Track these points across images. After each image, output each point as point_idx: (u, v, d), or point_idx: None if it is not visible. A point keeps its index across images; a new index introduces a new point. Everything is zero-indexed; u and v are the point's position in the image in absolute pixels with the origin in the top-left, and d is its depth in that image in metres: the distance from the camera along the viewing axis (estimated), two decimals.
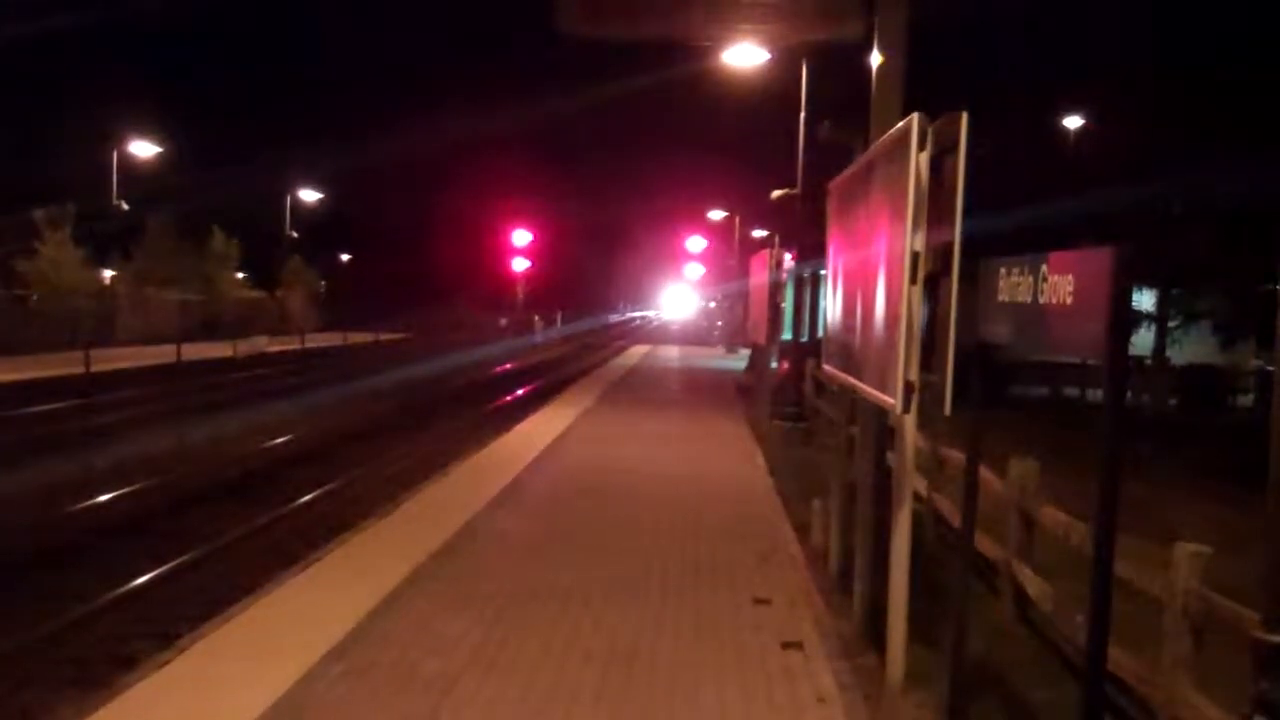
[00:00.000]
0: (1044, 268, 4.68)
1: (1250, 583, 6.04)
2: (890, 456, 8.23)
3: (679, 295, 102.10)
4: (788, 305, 21.28)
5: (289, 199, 71.15)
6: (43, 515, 13.88)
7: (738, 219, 57.63)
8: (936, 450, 11.43)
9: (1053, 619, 7.97)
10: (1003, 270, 5.19)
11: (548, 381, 34.93)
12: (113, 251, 52.17)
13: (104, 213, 48.63)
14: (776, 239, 22.65)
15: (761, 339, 20.69)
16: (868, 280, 7.18)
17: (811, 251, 18.84)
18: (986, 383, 5.58)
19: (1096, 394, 24.65)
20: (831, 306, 9.18)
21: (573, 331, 79.42)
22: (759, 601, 8.77)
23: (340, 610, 8.04)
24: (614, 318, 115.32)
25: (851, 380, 7.92)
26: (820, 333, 11.43)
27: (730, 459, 16.86)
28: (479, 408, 27.61)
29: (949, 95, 7.34)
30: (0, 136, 65.59)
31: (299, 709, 6.21)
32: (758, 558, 10.27)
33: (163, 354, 36.39)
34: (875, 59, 8.33)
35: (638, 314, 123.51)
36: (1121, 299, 4.07)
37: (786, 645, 7.66)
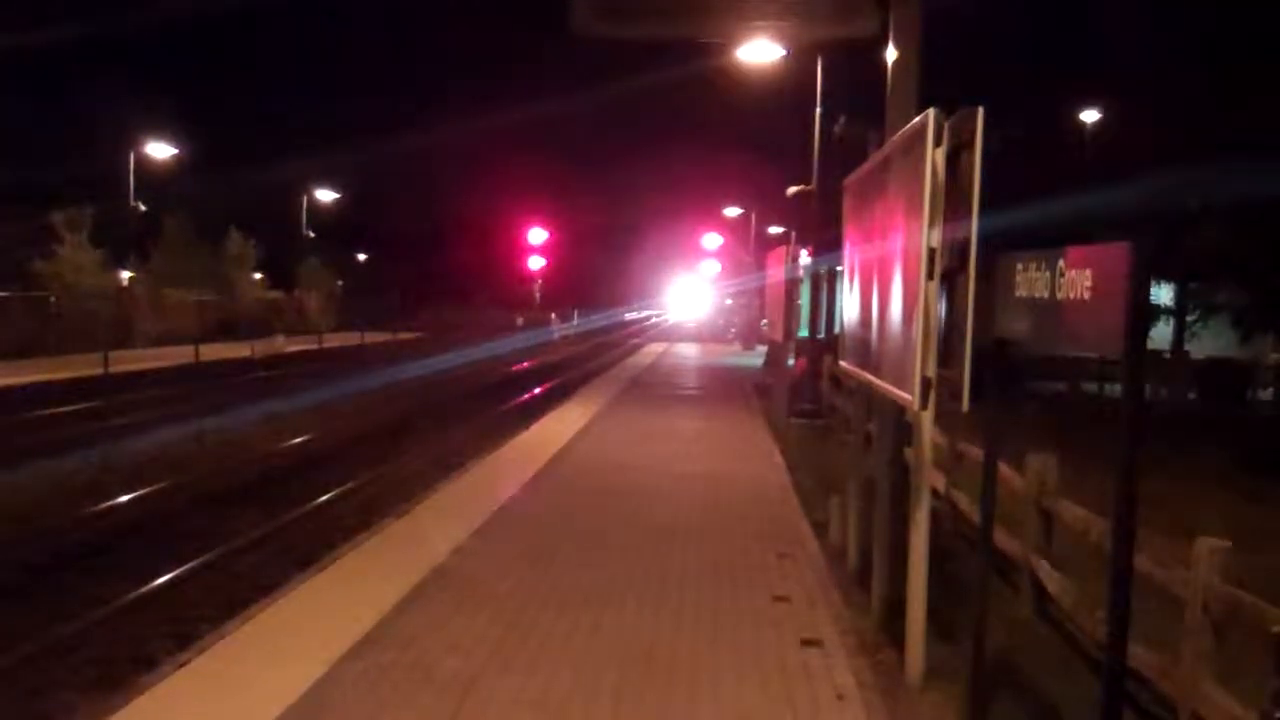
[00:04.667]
0: (1061, 262, 4.67)
1: (1271, 578, 6.03)
2: (908, 453, 8.22)
3: (695, 292, 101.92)
4: (804, 302, 21.26)
5: (306, 199, 71.35)
6: (68, 515, 13.95)
7: (754, 216, 57.56)
8: (954, 446, 11.41)
9: (1072, 614, 7.95)
10: (1019, 265, 5.18)
11: (564, 379, 34.96)
12: (130, 253, 52.33)
13: (121, 214, 48.79)
14: (793, 235, 22.61)
15: (778, 336, 20.68)
16: (884, 276, 7.18)
17: (828, 248, 18.82)
18: (1004, 378, 5.57)
19: (1115, 389, 24.58)
20: (848, 303, 9.18)
21: (589, 329, 79.40)
22: (778, 599, 8.76)
23: (360, 609, 8.05)
24: (630, 315, 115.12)
25: (869, 377, 7.92)
26: (837, 329, 11.42)
27: (748, 456, 16.84)
28: (497, 406, 27.65)
29: (964, 90, 7.33)
30: (18, 139, 66.00)
31: (319, 708, 6.23)
32: (776, 555, 10.26)
33: (181, 355, 36.56)
34: (890, 55, 8.32)
35: (653, 312, 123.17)
36: (1139, 293, 4.06)
37: (805, 643, 7.65)
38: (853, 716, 6.35)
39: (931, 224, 5.95)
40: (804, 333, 22.00)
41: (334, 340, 52.33)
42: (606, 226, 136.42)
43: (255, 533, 13.21)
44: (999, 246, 5.57)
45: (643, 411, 23.00)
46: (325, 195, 73.19)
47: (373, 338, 54.06)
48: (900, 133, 6.95)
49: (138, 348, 41.66)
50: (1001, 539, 8.99)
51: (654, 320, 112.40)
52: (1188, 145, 26.45)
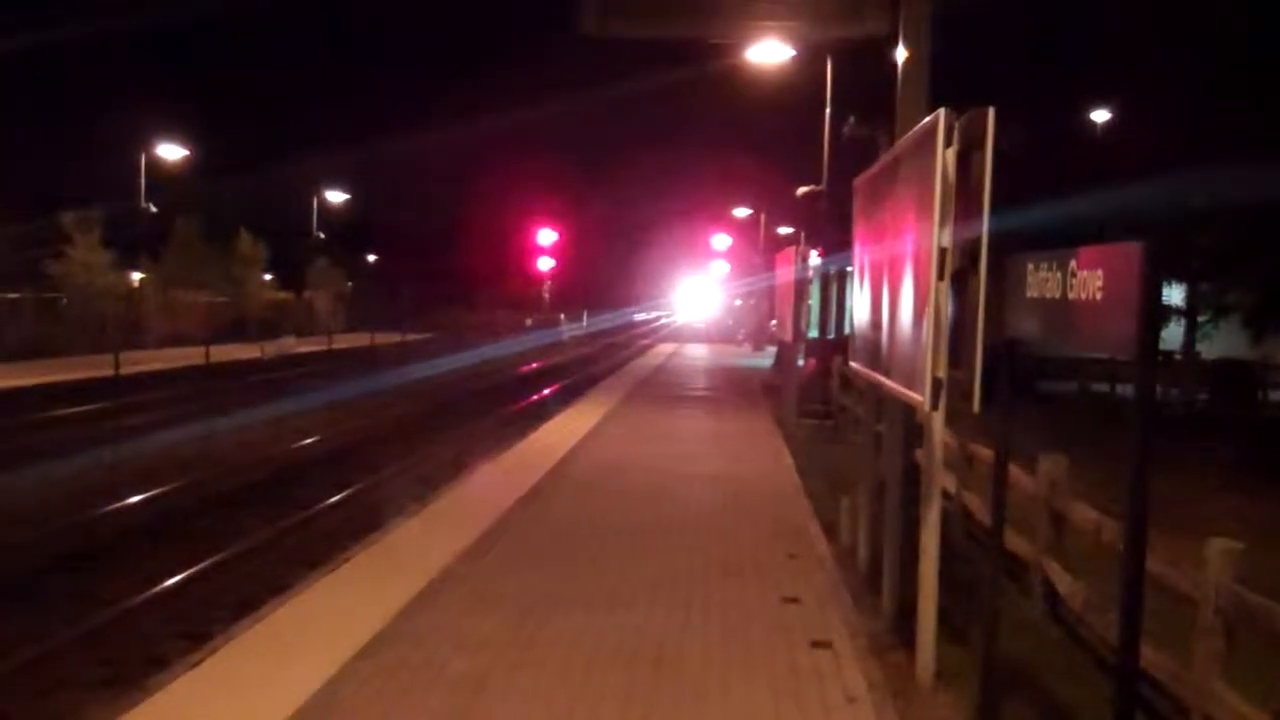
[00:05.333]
0: (1073, 263, 4.66)
1: None
2: (918, 454, 8.21)
3: (704, 293, 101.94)
4: (814, 302, 21.25)
5: (315, 200, 71.44)
6: (80, 515, 13.97)
7: (763, 216, 57.56)
8: (965, 447, 11.39)
9: (1083, 616, 7.92)
10: (1030, 266, 5.16)
11: (573, 380, 34.95)
12: (141, 254, 52.46)
13: (132, 216, 48.91)
14: (802, 236, 22.63)
15: (788, 337, 20.66)
16: (894, 277, 7.16)
17: (837, 248, 18.81)
18: (1015, 379, 5.55)
19: (1126, 389, 24.50)
20: (858, 304, 9.17)
21: (598, 330, 79.39)
22: (788, 600, 8.75)
23: (369, 610, 8.06)
24: (639, 316, 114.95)
25: (879, 377, 7.90)
26: (847, 330, 11.41)
27: (757, 457, 16.83)
28: (506, 407, 27.66)
29: (974, 90, 7.32)
30: (30, 140, 66.24)
31: (329, 708, 6.23)
32: (786, 556, 10.25)
33: (191, 356, 36.50)
34: (900, 55, 8.30)
35: (662, 313, 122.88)
36: (1151, 294, 4.05)
37: (816, 644, 7.64)
38: (863, 719, 6.34)
39: (942, 224, 5.94)
40: (813, 333, 21.98)
41: (343, 341, 52.32)
42: (615, 227, 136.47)
43: (265, 533, 13.23)
44: (1010, 247, 5.55)
45: (652, 412, 22.99)
46: (335, 196, 73.30)
47: (382, 338, 53.99)
48: (910, 133, 6.94)
49: (148, 348, 41.74)
50: (1012, 540, 8.97)
51: (663, 321, 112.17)
52: (1199, 145, 26.34)
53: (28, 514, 14.08)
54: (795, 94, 27.69)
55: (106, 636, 9.63)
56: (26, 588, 11.06)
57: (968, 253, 5.77)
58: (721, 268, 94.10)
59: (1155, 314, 4.13)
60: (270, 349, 41.86)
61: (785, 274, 20.60)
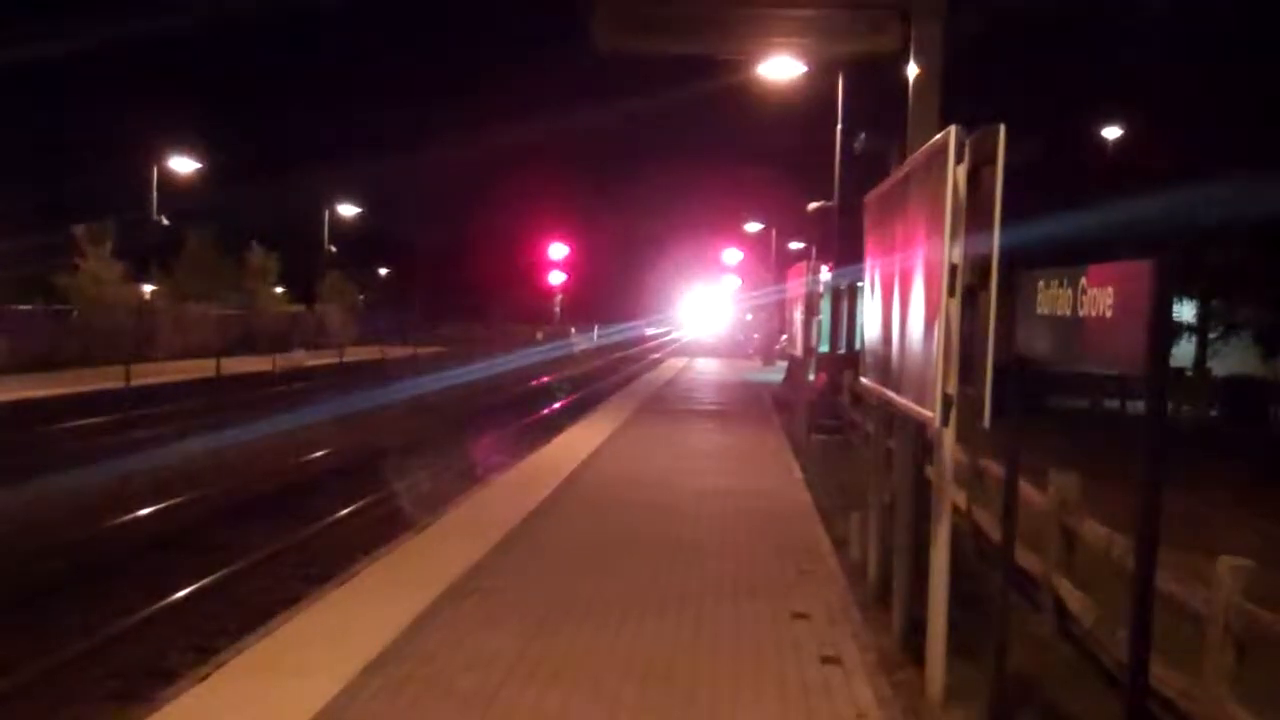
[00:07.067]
0: (1083, 280, 4.66)
1: None
2: (929, 470, 8.20)
3: (715, 307, 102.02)
4: (824, 317, 21.24)
5: (328, 214, 71.63)
6: (90, 528, 14.00)
7: (774, 231, 57.58)
8: (975, 463, 11.37)
9: (1093, 633, 7.90)
10: (1041, 282, 5.17)
11: (584, 394, 34.98)
12: (152, 266, 52.63)
13: (144, 228, 49.07)
14: (813, 251, 22.64)
15: (798, 351, 20.66)
16: (905, 293, 7.17)
17: (848, 263, 18.81)
18: (1025, 395, 5.55)
19: (1136, 406, 24.43)
20: (869, 319, 9.17)
21: (608, 344, 79.47)
22: (797, 616, 8.73)
23: (379, 624, 8.06)
24: (650, 330, 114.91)
25: (889, 394, 7.90)
26: (858, 345, 11.41)
27: (767, 472, 16.81)
28: (518, 420, 27.68)
29: (984, 104, 7.34)
30: (42, 153, 66.49)
31: None
32: (796, 572, 10.23)
33: (202, 368, 36.62)
34: (912, 71, 8.32)
35: (672, 327, 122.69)
36: (1162, 311, 4.05)
37: (825, 660, 7.63)
38: None
39: (953, 240, 5.95)
40: (824, 348, 21.97)
41: (355, 354, 52.34)
42: (626, 241, 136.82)
43: (275, 546, 13.24)
44: (1020, 263, 5.56)
45: (662, 426, 22.97)
46: (347, 210, 73.47)
47: (393, 352, 54.07)
48: (921, 149, 6.95)
49: (159, 361, 41.85)
50: (1023, 556, 8.95)
51: (673, 335, 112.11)
52: (1210, 161, 26.33)
53: (39, 525, 14.12)
54: (806, 109, 27.75)
55: (116, 649, 9.65)
56: (37, 599, 11.07)
57: (978, 269, 5.77)
58: (732, 282, 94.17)
59: (1166, 331, 4.13)
60: (281, 362, 42.00)
61: (796, 289, 20.62)
